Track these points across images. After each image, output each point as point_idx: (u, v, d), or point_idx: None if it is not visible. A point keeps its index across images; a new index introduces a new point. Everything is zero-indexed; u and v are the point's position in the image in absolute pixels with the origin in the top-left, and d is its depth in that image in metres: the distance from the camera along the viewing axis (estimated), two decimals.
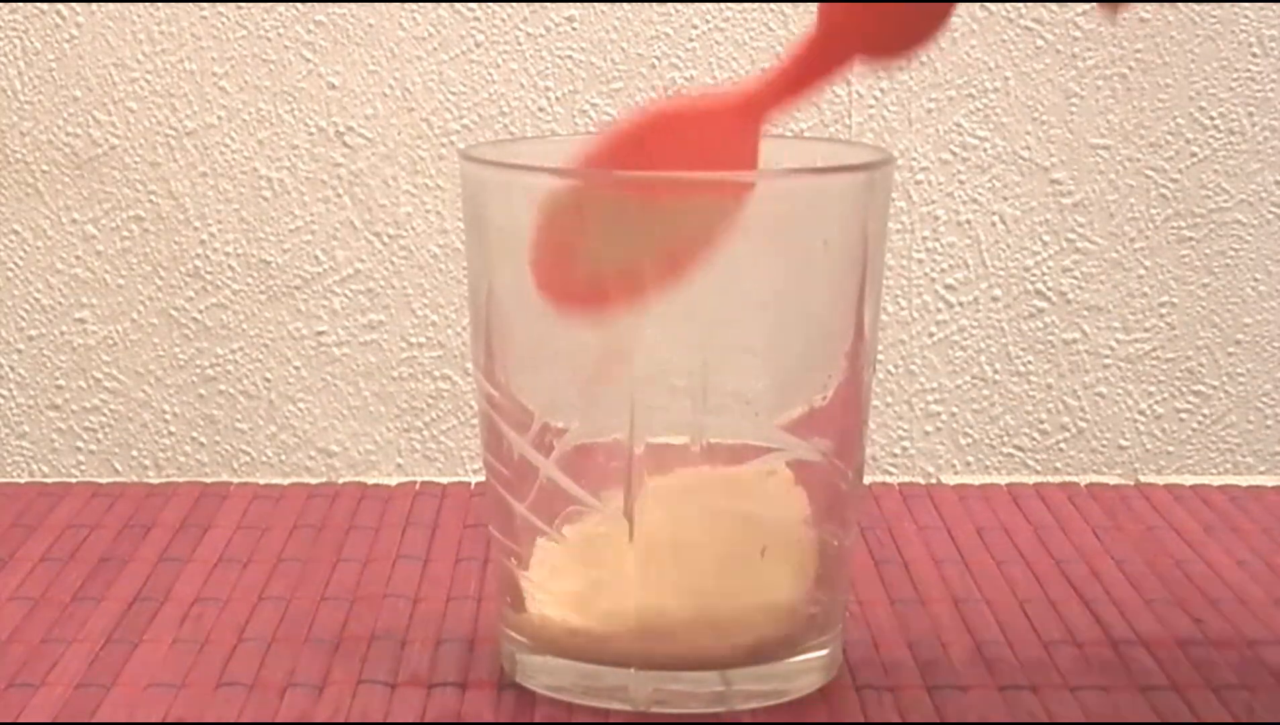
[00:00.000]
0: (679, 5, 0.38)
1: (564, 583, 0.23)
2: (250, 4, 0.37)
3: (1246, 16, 0.38)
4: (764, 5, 0.37)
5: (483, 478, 0.25)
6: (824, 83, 0.22)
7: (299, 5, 0.37)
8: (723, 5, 0.38)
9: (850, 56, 0.22)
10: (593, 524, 0.23)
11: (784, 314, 0.23)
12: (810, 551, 0.24)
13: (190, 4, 0.37)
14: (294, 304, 0.38)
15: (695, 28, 0.38)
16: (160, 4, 0.37)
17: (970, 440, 0.38)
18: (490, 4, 0.37)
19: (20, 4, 0.37)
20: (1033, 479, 0.34)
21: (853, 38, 0.21)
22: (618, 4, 0.37)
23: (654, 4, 0.37)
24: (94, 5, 0.37)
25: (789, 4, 0.38)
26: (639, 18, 0.38)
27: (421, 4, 0.37)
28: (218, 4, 0.37)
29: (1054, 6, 0.37)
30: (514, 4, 0.37)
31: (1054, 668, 0.25)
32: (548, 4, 0.37)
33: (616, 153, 0.22)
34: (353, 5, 0.37)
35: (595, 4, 0.37)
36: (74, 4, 0.37)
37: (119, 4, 0.37)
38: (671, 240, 0.22)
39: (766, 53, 0.38)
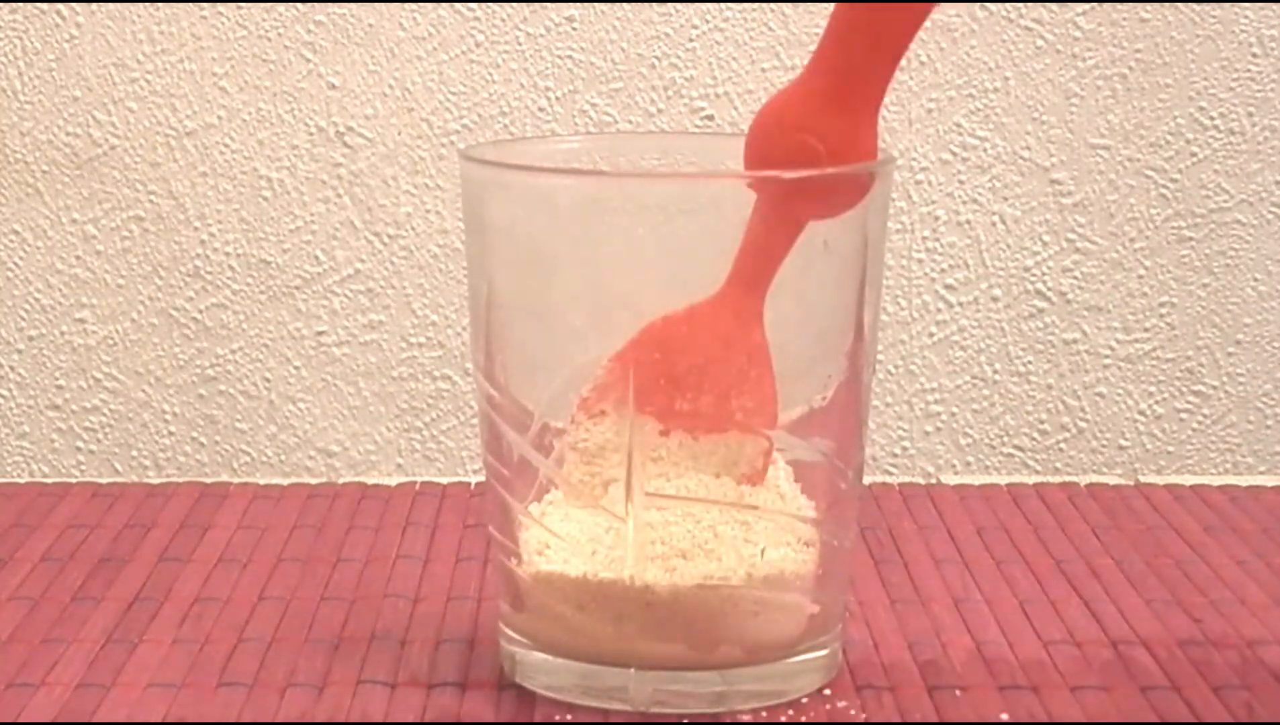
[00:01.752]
0: (679, 5, 0.38)
1: (566, 575, 0.23)
2: (250, 4, 0.37)
3: (1247, 16, 0.38)
4: (764, 5, 0.37)
5: (483, 478, 0.25)
6: (785, 245, 0.22)
7: (299, 6, 0.37)
8: (723, 5, 0.38)
9: (798, 220, 0.22)
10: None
11: (784, 314, 0.23)
12: (810, 551, 0.24)
13: (190, 4, 0.37)
14: (294, 304, 0.38)
15: (695, 28, 0.38)
16: (160, 4, 0.37)
17: (970, 440, 0.38)
18: (490, 4, 0.37)
19: (20, 4, 0.37)
20: (1033, 479, 0.34)
21: (797, 203, 0.22)
22: (618, 4, 0.37)
23: (654, 4, 0.37)
24: (94, 5, 0.37)
25: (789, 4, 0.38)
26: (639, 18, 0.38)
27: (421, 4, 0.37)
28: (218, 4, 0.37)
29: (1054, 6, 0.37)
30: (514, 4, 0.37)
31: (1054, 668, 0.25)
32: (548, 4, 0.37)
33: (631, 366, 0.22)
34: (353, 5, 0.37)
35: (595, 4, 0.37)
36: (74, 4, 0.37)
37: (119, 4, 0.37)
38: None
39: (766, 52, 0.38)
